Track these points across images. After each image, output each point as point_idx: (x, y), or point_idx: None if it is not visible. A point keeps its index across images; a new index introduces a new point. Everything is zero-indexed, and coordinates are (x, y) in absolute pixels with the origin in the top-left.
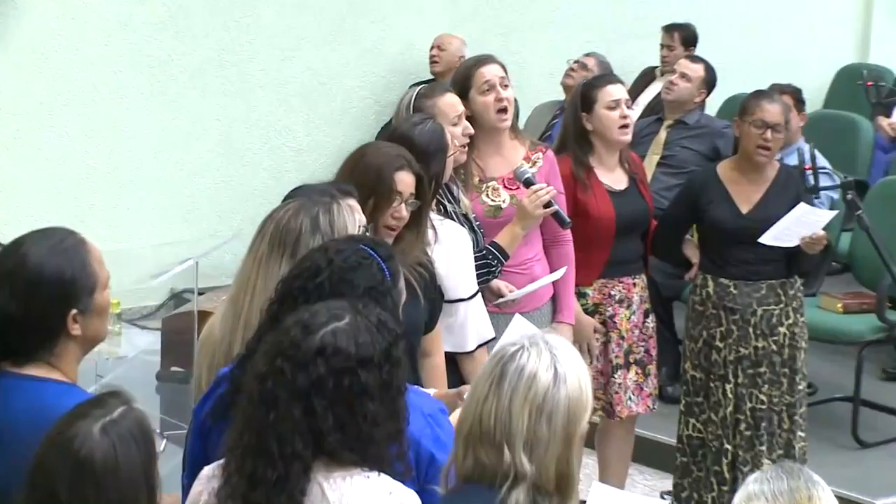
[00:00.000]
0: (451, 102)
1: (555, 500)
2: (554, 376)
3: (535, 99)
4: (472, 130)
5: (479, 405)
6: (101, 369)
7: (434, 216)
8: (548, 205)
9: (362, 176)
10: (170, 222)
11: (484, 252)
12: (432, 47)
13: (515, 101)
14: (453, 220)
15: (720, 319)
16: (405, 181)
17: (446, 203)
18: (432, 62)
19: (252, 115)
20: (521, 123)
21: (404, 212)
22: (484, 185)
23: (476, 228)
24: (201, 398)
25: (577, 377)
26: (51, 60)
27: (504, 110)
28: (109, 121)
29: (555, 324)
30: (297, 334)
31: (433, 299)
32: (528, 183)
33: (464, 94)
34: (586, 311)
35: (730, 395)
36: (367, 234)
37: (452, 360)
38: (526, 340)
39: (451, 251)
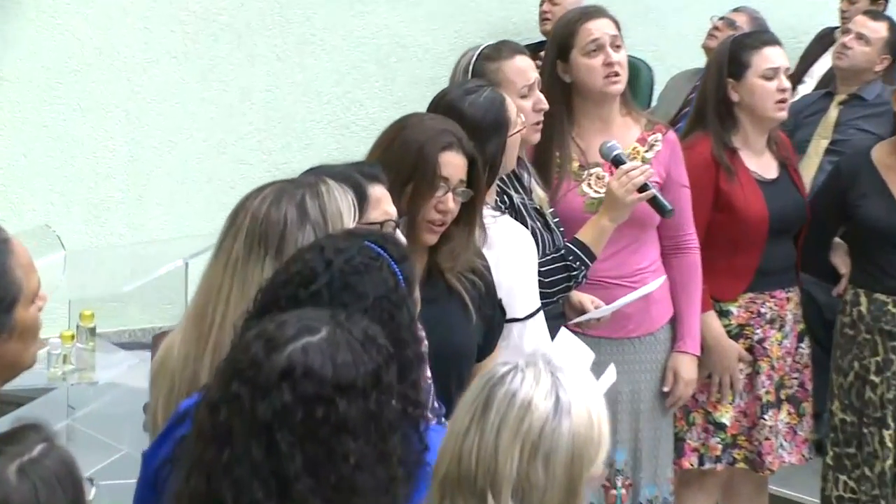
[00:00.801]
0: (520, 68)
1: None
2: (555, 405)
3: (674, 67)
4: (545, 105)
5: (458, 441)
6: (73, 399)
7: (486, 211)
8: (642, 188)
9: (399, 155)
10: (208, 219)
11: (562, 252)
12: (542, 2)
13: (647, 68)
14: (524, 216)
15: (875, 347)
16: (453, 164)
17: (512, 193)
18: (543, 20)
19: (313, 86)
20: (655, 98)
21: (451, 203)
22: (585, 173)
23: (553, 226)
24: (156, 439)
25: (585, 408)
26: (60, 16)
27: (614, 76)
28: (132, 92)
29: (674, 353)
30: (258, 351)
31: (490, 317)
32: (617, 161)
33: (564, 55)
34: (730, 335)
35: (889, 444)
36: (400, 228)
37: None
38: (521, 360)
39: (504, 257)
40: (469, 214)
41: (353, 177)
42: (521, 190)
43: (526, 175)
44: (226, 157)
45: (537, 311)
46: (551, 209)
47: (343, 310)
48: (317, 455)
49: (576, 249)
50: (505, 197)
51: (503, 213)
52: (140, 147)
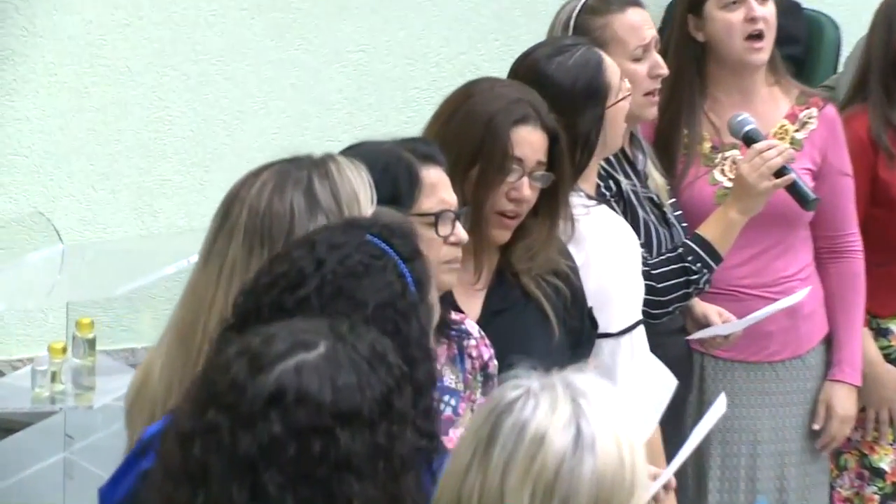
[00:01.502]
0: (633, 24)
1: None
2: (575, 439)
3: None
4: (663, 70)
5: (457, 481)
6: (71, 427)
7: (577, 199)
8: (780, 172)
9: (462, 130)
10: None
11: (680, 251)
12: None
13: (834, 26)
14: (635, 206)
15: None
16: (530, 141)
17: (620, 178)
18: None
19: (418, 46)
20: (841, 65)
21: (526, 189)
22: (719, 156)
23: (672, 220)
24: (114, 473)
25: (614, 443)
26: None
27: (758, 36)
28: (193, 52)
29: (828, 382)
30: (240, 371)
31: (577, 330)
32: (749, 139)
33: (696, 8)
34: (889, 359)
35: None
36: (461, 220)
37: None
38: (535, 382)
39: (595, 256)
40: (550, 204)
41: (403, 157)
42: (632, 175)
43: (641, 157)
44: (308, 133)
45: (636, 324)
46: (672, 199)
47: (346, 319)
48: (313, 499)
49: (696, 248)
50: (611, 183)
51: (601, 202)
52: (202, 119)
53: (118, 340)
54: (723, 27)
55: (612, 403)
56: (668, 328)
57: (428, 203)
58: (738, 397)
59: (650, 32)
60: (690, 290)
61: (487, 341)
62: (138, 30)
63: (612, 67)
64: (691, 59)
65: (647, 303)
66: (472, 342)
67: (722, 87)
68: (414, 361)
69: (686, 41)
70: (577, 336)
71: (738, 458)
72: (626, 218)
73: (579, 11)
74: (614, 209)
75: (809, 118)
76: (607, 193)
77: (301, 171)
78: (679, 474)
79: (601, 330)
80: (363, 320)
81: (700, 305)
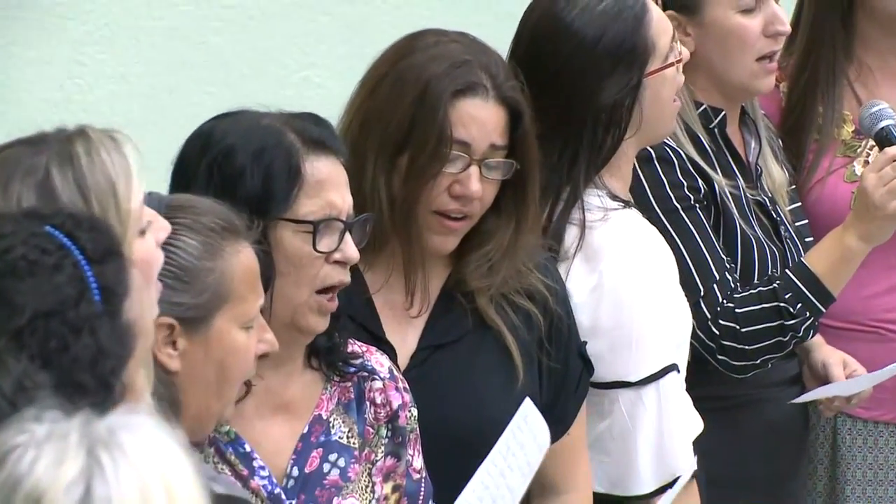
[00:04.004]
0: None
1: None
2: (83, 501)
3: None
4: (784, 27)
5: None
6: None
7: (595, 200)
8: None
9: (389, 102)
10: None
11: (775, 286)
12: None
13: None
14: (732, 215)
15: None
16: (479, 120)
17: (713, 175)
18: None
19: None
20: None
21: (475, 183)
22: (863, 143)
23: (789, 232)
24: None
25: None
26: None
27: None
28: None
29: None
30: None
31: (559, 375)
32: (884, 139)
33: None
34: None
35: None
36: (353, 231)
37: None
38: (44, 427)
39: (613, 278)
40: (517, 200)
41: (285, 140)
42: (736, 171)
43: (753, 143)
44: None
45: (665, 371)
46: (795, 204)
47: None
48: None
49: (798, 283)
50: (700, 182)
51: (629, 204)
52: (290, 59)
53: None
54: None
55: (151, 456)
56: (780, 376)
57: (308, 206)
58: (883, 471)
59: None
60: (786, 339)
61: (402, 384)
62: None
63: (659, 22)
64: (834, 8)
65: (727, 351)
66: (378, 384)
67: (874, 48)
68: (82, 392)
69: None
70: (559, 381)
71: None
72: (717, 229)
73: None
74: (696, 217)
75: None
76: (691, 197)
77: (38, 156)
78: None
79: (617, 377)
80: (16, 332)
81: (820, 350)
